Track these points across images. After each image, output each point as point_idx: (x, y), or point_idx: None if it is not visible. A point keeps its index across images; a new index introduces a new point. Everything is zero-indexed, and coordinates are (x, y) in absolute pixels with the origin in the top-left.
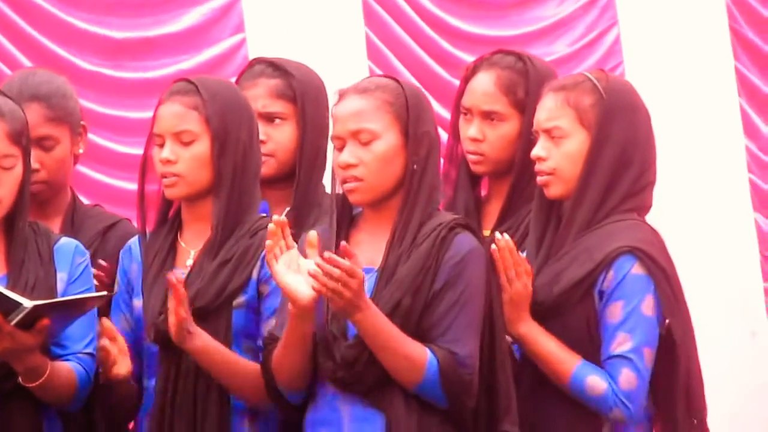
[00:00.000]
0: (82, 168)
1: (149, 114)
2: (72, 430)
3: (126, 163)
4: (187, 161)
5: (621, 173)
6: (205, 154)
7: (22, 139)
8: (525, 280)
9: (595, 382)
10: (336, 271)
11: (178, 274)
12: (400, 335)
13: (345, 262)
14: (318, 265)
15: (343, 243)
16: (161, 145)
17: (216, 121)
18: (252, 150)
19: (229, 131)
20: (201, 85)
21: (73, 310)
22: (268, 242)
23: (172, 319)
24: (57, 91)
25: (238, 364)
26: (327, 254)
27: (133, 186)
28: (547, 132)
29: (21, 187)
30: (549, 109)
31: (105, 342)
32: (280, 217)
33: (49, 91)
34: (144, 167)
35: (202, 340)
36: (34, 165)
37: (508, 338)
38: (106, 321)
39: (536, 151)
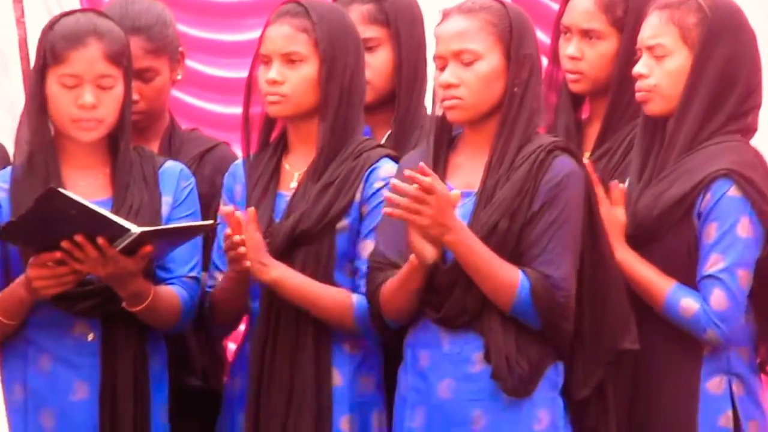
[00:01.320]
0: (177, 93)
1: (243, 36)
2: (185, 350)
3: (222, 86)
4: (293, 82)
5: (724, 94)
6: (312, 76)
7: (122, 59)
8: (616, 208)
9: (688, 303)
10: (412, 189)
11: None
12: (492, 257)
13: (424, 178)
14: (394, 187)
15: (421, 163)
16: (267, 66)
17: (325, 45)
18: (358, 75)
19: (337, 55)
20: (311, 8)
21: (178, 236)
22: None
23: (241, 250)
24: (156, 21)
25: (318, 293)
26: (407, 172)
27: (228, 110)
28: (650, 49)
29: (123, 108)
30: (653, 27)
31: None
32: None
33: (148, 21)
34: (249, 89)
35: (277, 271)
36: (134, 96)
37: None
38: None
39: (638, 68)
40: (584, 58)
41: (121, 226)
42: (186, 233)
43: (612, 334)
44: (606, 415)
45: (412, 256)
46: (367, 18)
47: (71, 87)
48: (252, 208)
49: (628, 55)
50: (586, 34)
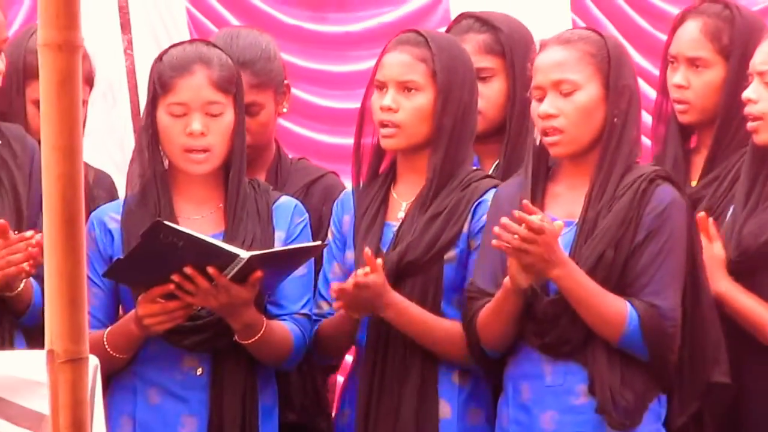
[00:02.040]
0: (285, 122)
1: (351, 67)
2: (288, 389)
3: (328, 116)
4: (408, 111)
5: None
6: (427, 106)
7: (230, 87)
8: (715, 242)
9: None
10: (522, 231)
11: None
12: (599, 289)
13: (533, 219)
14: (502, 225)
15: (525, 201)
16: (382, 92)
17: (442, 76)
18: (471, 107)
19: (453, 87)
20: (431, 39)
21: (288, 262)
22: None
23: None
24: (261, 56)
25: (430, 325)
26: (516, 213)
27: (335, 140)
28: (761, 75)
29: (233, 136)
30: (765, 53)
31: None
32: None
33: (253, 56)
34: (362, 117)
35: (395, 306)
36: None
37: None
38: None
39: (747, 93)
40: (691, 87)
41: (230, 253)
42: (295, 258)
43: (705, 366)
44: None
45: (506, 280)
46: (483, 48)
47: (180, 116)
48: (368, 249)
49: (734, 83)
50: (693, 63)
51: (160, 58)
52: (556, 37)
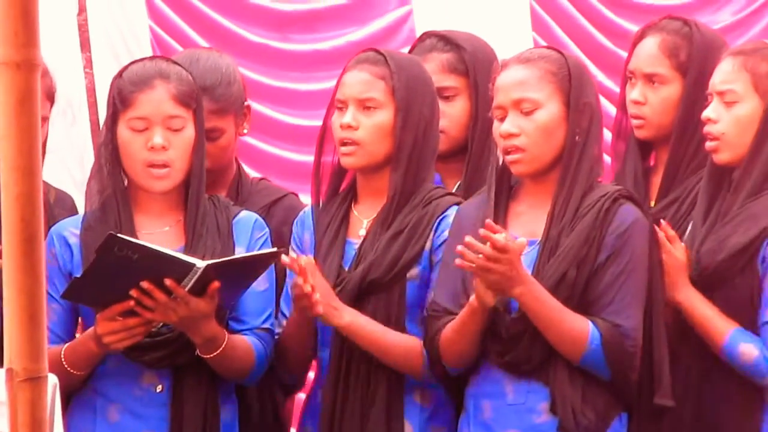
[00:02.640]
0: (249, 139)
1: (316, 86)
2: (247, 406)
3: (294, 134)
4: (368, 129)
5: None
6: (387, 124)
7: (190, 102)
8: (677, 248)
9: (748, 349)
10: (487, 250)
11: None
12: (561, 308)
13: (498, 237)
14: (466, 244)
15: (487, 220)
16: (342, 111)
17: (402, 93)
18: (432, 125)
19: (413, 105)
20: (390, 57)
21: (246, 272)
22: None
23: (316, 297)
24: (222, 81)
25: (388, 339)
26: (482, 231)
27: (300, 158)
28: (721, 95)
29: (194, 151)
30: (725, 72)
31: (298, 281)
32: None
33: (213, 81)
34: (322, 136)
35: (350, 316)
36: None
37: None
38: (303, 258)
39: (707, 113)
40: (648, 102)
41: (186, 262)
42: (253, 266)
43: (652, 387)
44: None
45: (472, 298)
46: (446, 67)
47: (141, 130)
48: (311, 257)
49: (691, 100)
50: (650, 79)
51: (119, 74)
52: (517, 56)
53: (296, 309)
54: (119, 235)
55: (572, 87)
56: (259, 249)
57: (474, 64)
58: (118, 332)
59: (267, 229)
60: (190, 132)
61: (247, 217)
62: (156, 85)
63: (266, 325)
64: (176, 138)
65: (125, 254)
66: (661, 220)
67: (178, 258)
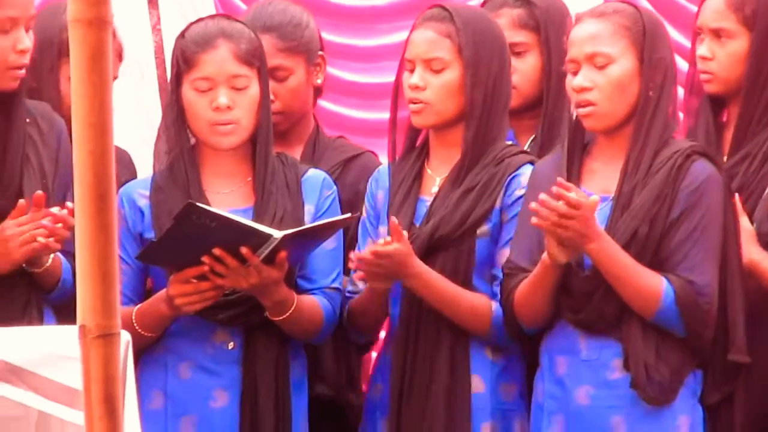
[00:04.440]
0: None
1: (378, 41)
2: (320, 364)
3: (358, 91)
4: (436, 88)
5: None
6: (455, 82)
7: (253, 60)
8: (743, 218)
9: None
10: (562, 207)
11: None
12: (635, 264)
13: (571, 195)
14: (540, 201)
15: (559, 179)
16: (412, 71)
17: (468, 50)
18: (502, 81)
19: (481, 61)
20: (456, 13)
21: (318, 235)
22: None
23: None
24: (290, 21)
25: (458, 295)
26: (554, 189)
27: (369, 115)
28: None
29: (260, 109)
30: None
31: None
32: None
33: (281, 21)
34: (396, 93)
35: (419, 269)
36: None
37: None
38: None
39: None
40: (715, 58)
41: (263, 233)
42: (326, 230)
43: (727, 344)
44: (733, 423)
45: (545, 255)
46: (517, 23)
47: (205, 91)
48: (394, 218)
49: (759, 54)
50: (717, 34)
51: (182, 34)
52: (591, 10)
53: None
54: (198, 204)
55: (646, 42)
56: (328, 207)
57: (545, 20)
58: (190, 295)
59: (335, 187)
60: (255, 90)
61: (315, 175)
62: (218, 45)
63: (335, 285)
64: (241, 97)
65: (203, 222)
66: (735, 195)
67: (256, 228)
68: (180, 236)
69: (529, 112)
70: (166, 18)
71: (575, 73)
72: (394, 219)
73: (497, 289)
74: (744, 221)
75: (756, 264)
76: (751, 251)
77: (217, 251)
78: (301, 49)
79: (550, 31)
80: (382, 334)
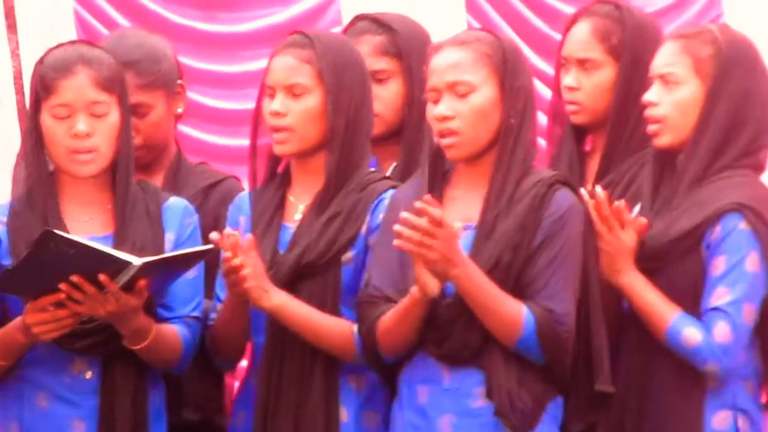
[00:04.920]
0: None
1: (241, 68)
2: (175, 393)
3: (220, 117)
4: (297, 114)
5: (736, 129)
6: (316, 108)
7: (113, 86)
8: (626, 231)
9: (691, 333)
10: (423, 223)
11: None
12: (498, 292)
13: (434, 211)
14: (403, 220)
15: (426, 195)
16: (272, 97)
17: (330, 76)
18: (364, 107)
19: (343, 87)
20: (316, 39)
21: (178, 266)
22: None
23: (246, 272)
24: (147, 56)
25: (320, 323)
26: (417, 204)
27: (231, 142)
28: (662, 78)
29: (119, 136)
30: (666, 55)
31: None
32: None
33: (138, 57)
34: (256, 120)
35: (279, 298)
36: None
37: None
38: (240, 236)
39: (648, 96)
40: (582, 88)
41: (122, 260)
42: (186, 261)
43: (591, 373)
44: None
45: (414, 289)
46: (378, 49)
47: (64, 117)
48: (251, 235)
49: (626, 84)
50: (583, 64)
51: (41, 60)
52: (452, 38)
53: (228, 289)
54: (56, 231)
55: (507, 70)
56: (189, 235)
57: (407, 47)
58: (47, 323)
59: (196, 215)
60: (114, 117)
61: (176, 203)
62: (77, 71)
63: (195, 314)
64: (100, 124)
65: (61, 249)
66: (623, 201)
67: (114, 255)
68: (37, 263)
69: (392, 139)
70: (25, 43)
71: (436, 102)
72: (249, 236)
73: None
74: (629, 236)
75: (629, 285)
76: (624, 274)
77: (74, 278)
78: (160, 84)
79: (412, 58)
80: (244, 362)
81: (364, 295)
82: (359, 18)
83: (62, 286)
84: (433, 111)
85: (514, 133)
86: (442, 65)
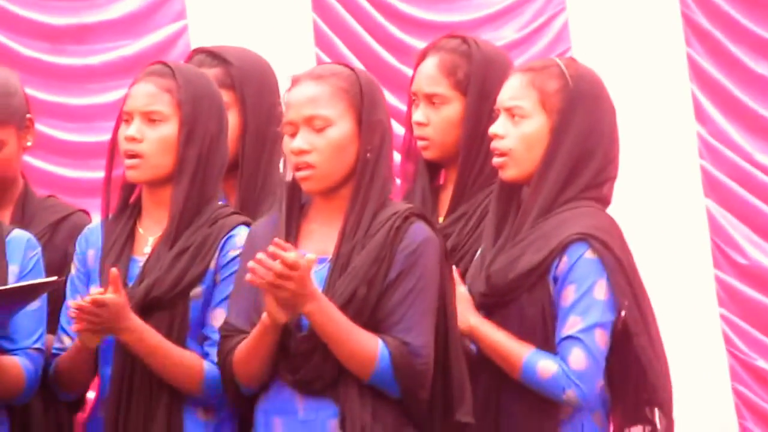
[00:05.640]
0: (28, 158)
1: (89, 100)
2: (18, 425)
3: (68, 150)
4: (151, 142)
5: (581, 164)
6: (171, 137)
7: None
8: (459, 285)
9: (546, 365)
10: (277, 266)
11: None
12: (351, 326)
13: (287, 255)
14: (257, 261)
15: (276, 239)
16: (128, 123)
17: (187, 107)
18: (219, 142)
19: (199, 119)
20: (177, 70)
21: (22, 297)
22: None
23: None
24: None
25: (170, 352)
26: (271, 248)
27: (81, 174)
28: (508, 111)
29: None
30: (513, 88)
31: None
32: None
33: None
34: (112, 150)
35: (134, 323)
36: None
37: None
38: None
39: (494, 128)
40: (430, 123)
41: None
42: (29, 293)
43: (452, 405)
44: None
45: (264, 316)
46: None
47: None
48: (114, 269)
49: (474, 117)
50: (431, 100)
51: None
52: (308, 72)
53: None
54: None
55: (364, 104)
56: (32, 267)
57: (241, 79)
58: None
59: (39, 248)
60: None
61: (19, 235)
62: None
63: (37, 345)
64: None
65: None
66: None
67: None
68: None
69: (233, 172)
70: None
71: (293, 135)
72: (113, 270)
73: (209, 349)
74: (460, 289)
75: (475, 329)
76: (468, 318)
77: None
78: (11, 119)
79: (246, 91)
80: (91, 394)
81: (221, 330)
82: (196, 51)
83: None
84: (290, 144)
85: (370, 168)
86: (299, 99)
